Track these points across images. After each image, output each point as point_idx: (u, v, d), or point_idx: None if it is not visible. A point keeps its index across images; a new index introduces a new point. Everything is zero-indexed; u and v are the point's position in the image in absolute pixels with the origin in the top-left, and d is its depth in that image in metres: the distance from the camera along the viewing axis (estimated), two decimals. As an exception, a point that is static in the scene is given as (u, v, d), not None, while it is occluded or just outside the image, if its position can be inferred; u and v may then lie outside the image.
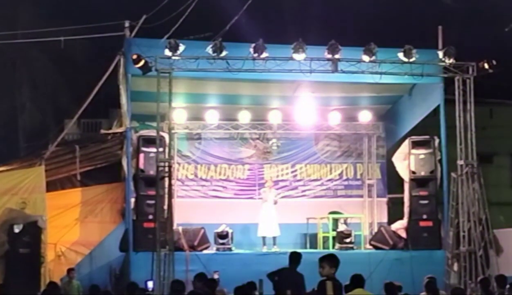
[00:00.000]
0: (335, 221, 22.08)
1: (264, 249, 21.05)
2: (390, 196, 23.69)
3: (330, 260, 11.30)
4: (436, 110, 21.14)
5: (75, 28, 22.69)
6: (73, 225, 20.70)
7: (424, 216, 20.88)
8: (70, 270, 19.40)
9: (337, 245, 21.15)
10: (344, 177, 24.04)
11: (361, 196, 23.91)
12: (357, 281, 11.19)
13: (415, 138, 21.44)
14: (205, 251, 20.38)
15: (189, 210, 22.21)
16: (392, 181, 23.49)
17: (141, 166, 20.18)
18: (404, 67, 19.09)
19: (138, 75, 18.87)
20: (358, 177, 24.08)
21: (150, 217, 19.37)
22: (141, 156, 20.21)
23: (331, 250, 20.91)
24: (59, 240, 20.24)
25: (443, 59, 19.07)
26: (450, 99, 20.07)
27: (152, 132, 19.91)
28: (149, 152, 20.03)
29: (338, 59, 18.75)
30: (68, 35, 22.00)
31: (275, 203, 21.44)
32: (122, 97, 20.23)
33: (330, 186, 23.92)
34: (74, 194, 21.01)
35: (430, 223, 20.78)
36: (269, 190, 21.80)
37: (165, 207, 18.56)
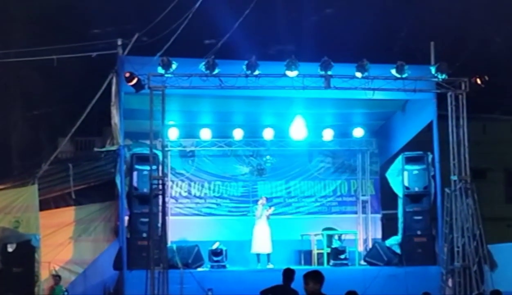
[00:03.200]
0: (329, 238, 22.05)
1: (258, 266, 20.99)
2: (384, 212, 23.70)
3: (314, 277, 11.26)
4: (429, 126, 21.16)
5: (68, 47, 22.68)
6: (67, 244, 20.61)
7: (418, 232, 20.86)
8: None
9: (332, 262, 21.11)
10: (338, 193, 24.05)
11: (355, 212, 23.90)
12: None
13: (409, 154, 21.44)
14: (199, 269, 20.32)
15: (183, 227, 22.17)
16: (386, 197, 23.48)
17: (135, 183, 20.15)
18: (397, 83, 19.13)
19: (131, 93, 18.86)
20: (352, 193, 24.09)
21: (144, 235, 19.30)
22: (135, 173, 20.18)
23: (325, 267, 20.89)
24: (53, 258, 20.15)
25: (436, 75, 19.12)
26: (443, 114, 20.10)
27: (145, 150, 19.88)
28: (143, 170, 20.00)
29: (331, 76, 18.78)
30: (61, 54, 21.97)
31: (268, 217, 21.37)
32: (114, 116, 20.19)
33: (324, 202, 23.92)
34: (67, 212, 20.92)
35: (424, 239, 20.77)
36: (263, 206, 21.77)
37: (159, 224, 18.52)
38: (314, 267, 21.08)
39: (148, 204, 18.68)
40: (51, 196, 20.77)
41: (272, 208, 21.79)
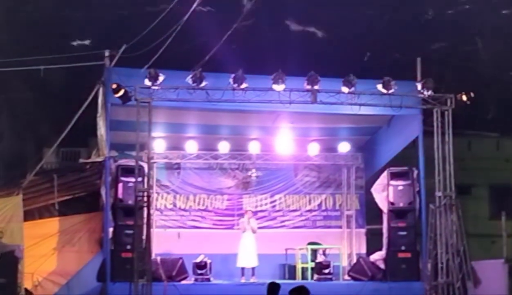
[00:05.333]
0: (314, 252, 22.06)
1: (243, 280, 20.96)
2: (369, 226, 23.73)
3: (299, 292, 11.30)
4: (414, 142, 21.23)
5: (54, 57, 22.64)
6: (51, 255, 20.54)
7: (403, 247, 20.88)
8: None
9: (316, 276, 21.10)
10: (323, 208, 24.09)
11: (340, 227, 23.93)
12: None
13: (394, 169, 21.50)
14: (183, 282, 20.27)
15: (168, 240, 22.13)
16: (370, 212, 23.52)
17: (120, 195, 20.10)
18: (383, 99, 19.19)
19: (117, 104, 18.85)
20: (337, 207, 24.14)
21: (128, 247, 19.27)
22: (120, 185, 20.13)
23: (309, 281, 20.90)
24: (36, 269, 20.07)
25: (422, 91, 19.20)
26: (428, 130, 20.17)
27: (131, 162, 19.85)
28: (128, 182, 19.96)
29: (318, 90, 18.83)
30: (48, 64, 21.94)
31: (254, 232, 21.37)
32: (100, 127, 20.16)
33: (309, 217, 23.95)
34: (51, 223, 20.87)
35: (408, 254, 20.79)
36: (248, 220, 21.76)
37: (144, 237, 18.48)
38: (298, 281, 21.08)
39: (133, 215, 18.65)
40: (35, 206, 20.73)
41: (253, 219, 21.75)
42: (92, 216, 20.98)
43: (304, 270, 21.93)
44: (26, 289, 19.40)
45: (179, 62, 19.78)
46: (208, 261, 20.69)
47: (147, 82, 18.22)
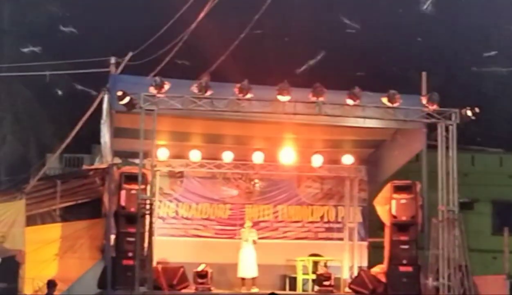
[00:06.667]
0: (315, 264, 22.04)
1: (243, 290, 20.94)
2: (371, 239, 23.69)
3: None
4: (418, 156, 21.22)
5: (60, 63, 22.71)
6: (52, 260, 20.50)
7: (404, 261, 20.83)
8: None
9: (317, 288, 21.09)
10: (325, 219, 24.06)
11: (342, 239, 23.89)
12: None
13: (397, 183, 21.46)
14: (184, 290, 20.27)
15: (169, 248, 22.12)
16: (373, 225, 23.50)
17: (123, 202, 20.07)
18: (388, 112, 19.20)
19: (122, 111, 18.86)
20: (339, 219, 24.10)
21: (130, 254, 19.24)
22: (123, 192, 20.11)
23: (310, 293, 20.92)
24: (37, 275, 20.03)
25: (427, 105, 19.21)
26: (432, 145, 20.17)
27: (134, 169, 19.84)
28: (131, 189, 19.95)
29: (323, 102, 18.84)
30: (53, 70, 22.00)
31: (255, 243, 21.39)
32: (104, 134, 20.18)
33: (311, 228, 23.92)
34: (54, 229, 20.84)
35: (410, 268, 20.73)
36: (249, 230, 21.77)
37: (145, 244, 18.47)
38: (299, 293, 21.07)
39: (135, 223, 18.64)
40: (38, 211, 20.70)
41: (258, 235, 21.81)
42: (95, 222, 20.94)
43: (305, 281, 21.90)
44: None
45: (184, 71, 19.84)
46: (209, 270, 20.68)
47: (152, 90, 18.24)
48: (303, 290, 21.61)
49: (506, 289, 21.40)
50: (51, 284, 18.52)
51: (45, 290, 18.71)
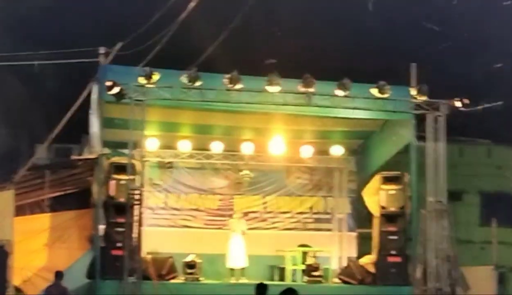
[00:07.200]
0: (304, 254, 22.08)
1: (232, 280, 20.98)
2: (360, 230, 23.75)
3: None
4: (407, 147, 21.27)
5: (49, 53, 22.61)
6: (41, 251, 20.49)
7: (393, 252, 20.93)
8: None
9: (305, 278, 21.14)
10: (314, 210, 24.11)
11: (331, 230, 23.94)
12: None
13: (386, 174, 21.53)
14: (173, 280, 20.27)
15: (158, 238, 22.12)
16: (362, 216, 23.53)
17: (112, 193, 20.07)
18: (377, 103, 19.23)
19: (111, 102, 18.83)
20: (328, 210, 24.15)
21: (119, 244, 19.25)
22: (112, 183, 20.10)
23: (299, 283, 20.94)
24: (26, 265, 20.01)
25: (416, 96, 19.25)
26: (421, 136, 20.22)
27: (123, 160, 19.83)
28: (120, 179, 19.94)
29: (312, 93, 18.85)
30: (42, 60, 21.90)
31: (244, 233, 21.42)
32: (93, 124, 20.15)
33: (300, 219, 23.97)
34: (42, 219, 20.81)
35: (398, 259, 20.83)
36: (238, 220, 21.79)
37: (135, 235, 18.47)
38: (288, 283, 21.10)
39: (124, 213, 18.64)
40: (26, 201, 20.67)
41: (248, 225, 21.84)
42: (83, 213, 20.92)
43: (293, 272, 21.94)
44: (15, 287, 19.35)
45: (174, 62, 19.78)
46: (198, 261, 20.70)
47: (141, 80, 18.21)
48: (292, 281, 21.63)
49: (494, 280, 21.52)
50: (59, 275, 18.55)
51: (53, 280, 18.75)
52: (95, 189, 20.17)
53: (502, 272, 23.11)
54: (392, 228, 21.09)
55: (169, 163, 23.26)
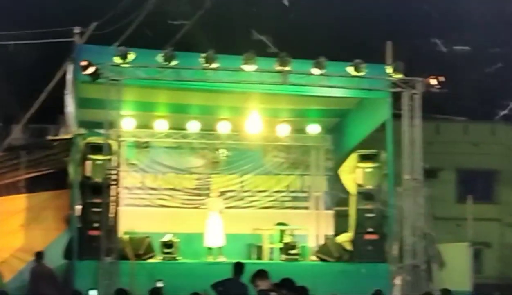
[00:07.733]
0: (282, 233, 22.14)
1: (210, 259, 21.01)
2: (337, 208, 23.83)
3: (260, 276, 11.37)
4: (383, 125, 21.31)
5: (23, 33, 22.45)
6: (17, 232, 20.42)
7: (370, 229, 20.99)
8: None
9: (283, 256, 21.19)
10: (291, 189, 24.16)
11: (308, 208, 24.01)
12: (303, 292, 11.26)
13: (363, 152, 21.57)
14: (150, 260, 20.25)
15: (135, 218, 22.08)
16: (338, 194, 23.60)
17: (88, 173, 19.94)
18: (353, 81, 19.26)
19: (87, 82, 18.71)
20: (305, 189, 24.20)
21: (96, 224, 19.17)
22: (88, 163, 19.98)
23: (276, 261, 21.02)
24: (2, 246, 19.95)
25: (392, 74, 19.28)
26: (397, 114, 20.26)
27: (99, 140, 19.74)
28: (96, 159, 19.84)
29: (288, 72, 18.84)
30: (17, 40, 21.75)
31: (221, 212, 21.43)
32: (68, 104, 20.04)
33: (277, 197, 24.01)
34: (18, 200, 20.73)
35: (375, 236, 20.91)
36: (215, 199, 21.79)
37: (111, 215, 18.44)
38: (265, 261, 21.17)
39: (100, 193, 18.59)
40: (2, 183, 20.58)
41: (226, 204, 21.85)
42: (60, 193, 20.84)
43: (271, 250, 21.99)
44: None
45: (150, 41, 19.72)
46: (176, 240, 20.69)
47: (117, 60, 18.10)
48: (270, 259, 21.70)
49: (469, 256, 21.70)
50: (40, 255, 18.50)
51: (35, 261, 18.73)
52: (71, 169, 20.07)
53: (477, 249, 23.31)
54: (368, 206, 21.15)
55: (145, 142, 23.20)
